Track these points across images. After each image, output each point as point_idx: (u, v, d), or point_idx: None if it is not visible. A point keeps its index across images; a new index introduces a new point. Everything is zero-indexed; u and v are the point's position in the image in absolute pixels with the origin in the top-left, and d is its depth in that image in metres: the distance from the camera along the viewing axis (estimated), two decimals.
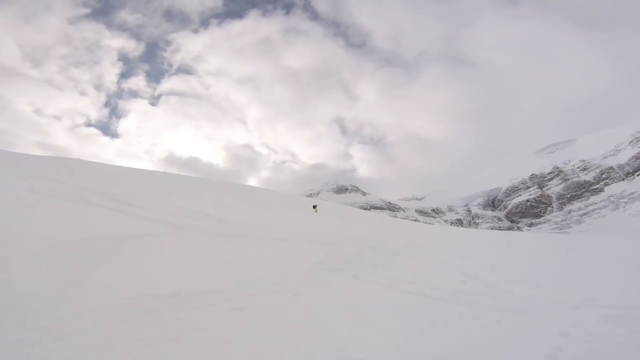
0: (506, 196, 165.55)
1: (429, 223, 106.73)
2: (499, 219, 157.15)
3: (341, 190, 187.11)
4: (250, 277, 6.26)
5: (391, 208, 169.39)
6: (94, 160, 29.94)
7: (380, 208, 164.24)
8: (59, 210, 9.54)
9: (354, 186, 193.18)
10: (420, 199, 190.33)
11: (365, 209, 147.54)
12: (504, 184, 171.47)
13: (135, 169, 29.97)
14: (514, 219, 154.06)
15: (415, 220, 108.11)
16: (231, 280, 6.01)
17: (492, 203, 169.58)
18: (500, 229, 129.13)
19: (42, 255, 5.98)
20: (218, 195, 20.65)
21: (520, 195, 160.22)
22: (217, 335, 4.09)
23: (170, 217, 11.10)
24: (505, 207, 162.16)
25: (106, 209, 10.66)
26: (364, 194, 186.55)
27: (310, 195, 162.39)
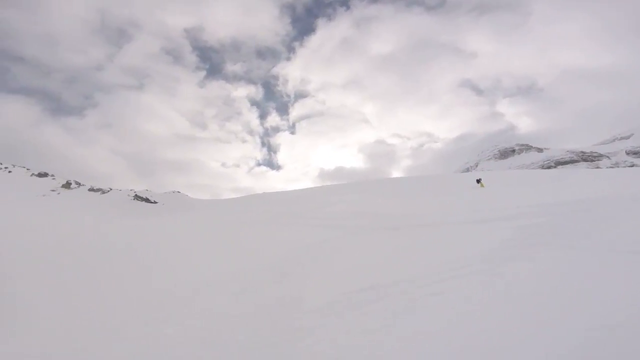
0: None
1: None
2: None
3: (506, 153, 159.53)
4: (435, 263, 5.99)
5: (587, 158, 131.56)
6: (272, 191, 36.56)
7: (571, 161, 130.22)
8: (268, 231, 12.04)
9: (522, 145, 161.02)
10: (626, 137, 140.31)
11: (549, 167, 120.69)
12: None
13: (300, 189, 34.79)
14: None
15: (631, 166, 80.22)
16: (417, 268, 5.90)
17: None
18: None
19: (269, 263, 7.59)
20: (370, 194, 21.33)
21: None
22: (425, 322, 4.01)
23: (341, 221, 12.18)
24: None
25: (296, 224, 12.72)
26: (540, 150, 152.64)
27: (467, 170, 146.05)
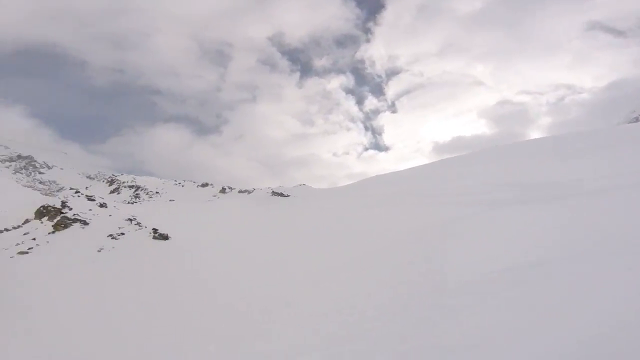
0: None
1: None
2: None
3: None
4: (600, 236, 5.04)
5: None
6: (384, 173, 36.24)
7: None
8: (392, 212, 12.32)
9: None
10: None
11: None
12: None
13: (416, 167, 33.38)
14: None
15: None
16: (575, 245, 5.06)
17: None
18: None
19: (400, 242, 7.86)
20: (505, 162, 18.84)
21: None
22: (588, 308, 3.31)
23: (474, 196, 11.38)
24: None
25: (421, 203, 12.57)
26: None
27: (636, 120, 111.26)
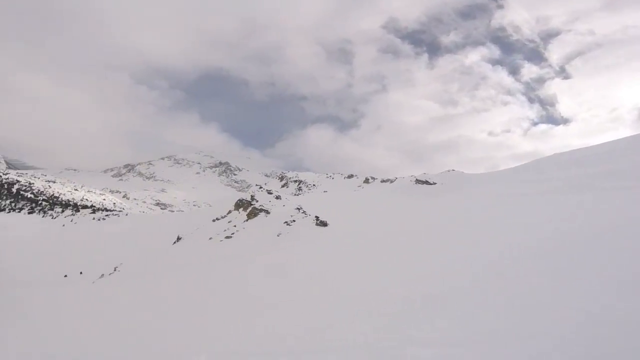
0: None
1: None
2: None
3: None
4: None
5: None
6: (565, 150, 29.02)
7: None
8: (579, 200, 10.27)
9: None
10: None
11: None
12: None
13: (612, 141, 25.26)
14: None
15: None
16: None
17: None
18: None
19: (592, 238, 6.55)
20: None
21: None
22: None
23: None
24: None
25: (622, 188, 9.96)
26: None
27: None
